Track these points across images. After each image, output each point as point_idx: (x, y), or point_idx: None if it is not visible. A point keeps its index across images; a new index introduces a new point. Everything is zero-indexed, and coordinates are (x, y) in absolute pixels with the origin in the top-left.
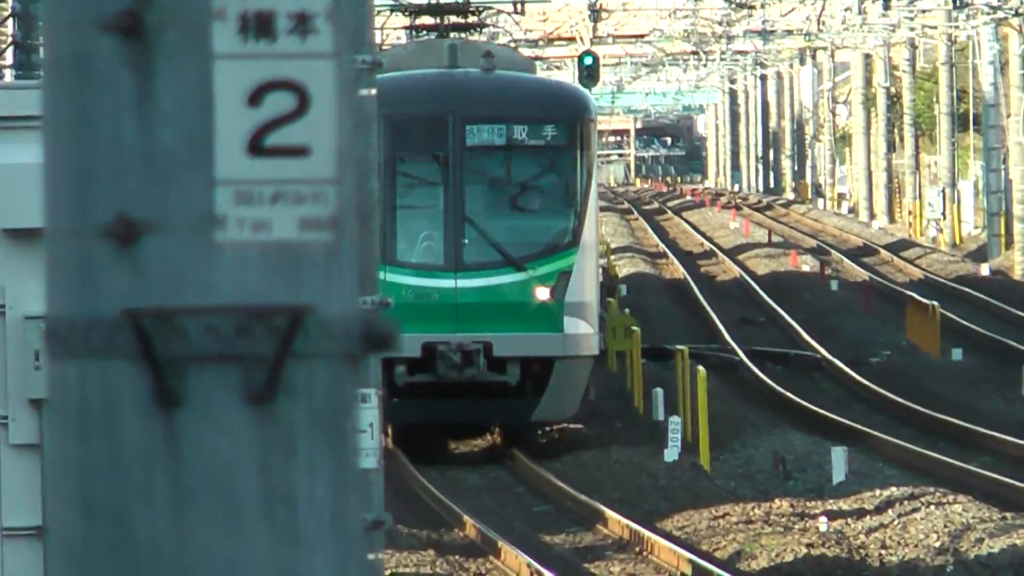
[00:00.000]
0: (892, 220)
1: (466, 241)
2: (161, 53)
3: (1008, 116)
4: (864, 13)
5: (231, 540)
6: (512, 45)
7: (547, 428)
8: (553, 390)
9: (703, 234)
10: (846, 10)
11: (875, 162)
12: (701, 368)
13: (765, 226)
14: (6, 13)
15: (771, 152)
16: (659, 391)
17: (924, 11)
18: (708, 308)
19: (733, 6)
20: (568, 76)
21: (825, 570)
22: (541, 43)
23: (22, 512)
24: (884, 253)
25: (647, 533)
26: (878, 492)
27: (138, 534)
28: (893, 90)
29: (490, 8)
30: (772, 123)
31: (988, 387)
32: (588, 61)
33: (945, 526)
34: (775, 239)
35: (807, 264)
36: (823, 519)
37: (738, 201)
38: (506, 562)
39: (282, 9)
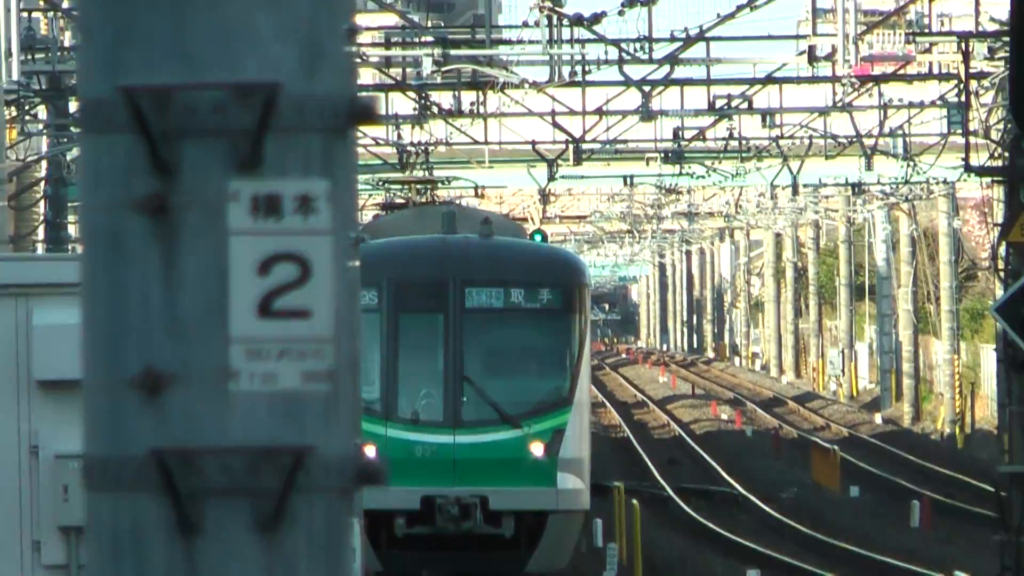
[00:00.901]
0: (798, 375)
1: (465, 399)
2: (184, 229)
3: (898, 287)
4: (775, 198)
5: None
6: None
7: None
8: (547, 543)
9: (636, 387)
10: (760, 195)
11: (784, 326)
12: (635, 502)
13: (689, 380)
14: (39, 196)
15: (695, 317)
16: (599, 521)
17: (827, 196)
18: (640, 450)
19: (663, 191)
20: None
21: None
22: None
23: None
24: (791, 404)
25: None
26: None
27: None
28: (800, 264)
29: (455, 191)
30: (696, 292)
31: (882, 520)
32: (538, 238)
33: None
34: (698, 391)
35: (725, 413)
36: None
37: (666, 359)
38: None
39: (288, 192)
